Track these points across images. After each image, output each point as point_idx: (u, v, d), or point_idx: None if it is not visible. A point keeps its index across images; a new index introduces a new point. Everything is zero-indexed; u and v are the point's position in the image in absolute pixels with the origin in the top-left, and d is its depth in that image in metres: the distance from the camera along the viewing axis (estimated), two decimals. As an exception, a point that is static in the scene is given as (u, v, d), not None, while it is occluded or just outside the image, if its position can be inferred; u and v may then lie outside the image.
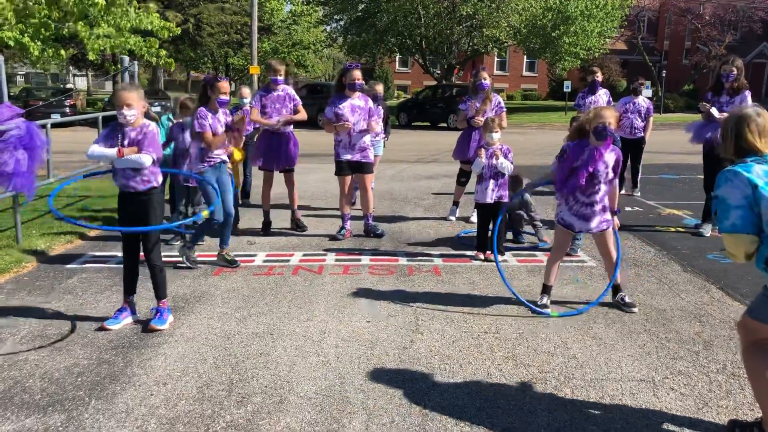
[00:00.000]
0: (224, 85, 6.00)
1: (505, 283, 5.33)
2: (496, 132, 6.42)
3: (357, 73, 6.94)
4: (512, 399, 3.67)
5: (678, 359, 4.20)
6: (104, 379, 3.84)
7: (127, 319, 4.73)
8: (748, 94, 7.20)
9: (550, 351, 4.32)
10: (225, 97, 5.98)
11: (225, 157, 6.18)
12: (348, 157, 7.10)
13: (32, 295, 5.36)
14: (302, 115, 7.41)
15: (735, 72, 7.20)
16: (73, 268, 6.13)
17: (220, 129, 6.01)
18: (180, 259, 6.20)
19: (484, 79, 7.76)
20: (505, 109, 7.96)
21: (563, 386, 3.82)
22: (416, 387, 3.79)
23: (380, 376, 3.92)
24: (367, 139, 7.15)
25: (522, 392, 3.74)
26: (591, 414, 3.51)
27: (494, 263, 6.29)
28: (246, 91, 9.00)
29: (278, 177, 7.60)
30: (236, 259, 6.31)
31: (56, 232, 7.30)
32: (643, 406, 3.58)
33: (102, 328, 4.60)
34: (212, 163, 6.06)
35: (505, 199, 6.52)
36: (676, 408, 3.57)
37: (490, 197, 6.44)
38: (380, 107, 9.00)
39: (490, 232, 6.55)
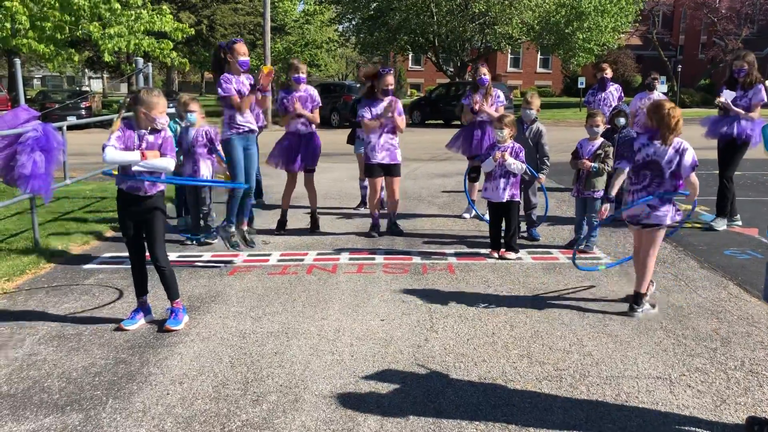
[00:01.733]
0: (242, 46, 5.98)
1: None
2: (503, 129, 6.40)
3: (390, 79, 7.08)
4: (527, 397, 3.65)
5: (695, 356, 4.17)
6: (121, 378, 3.88)
7: (142, 319, 4.76)
8: (761, 87, 7.13)
9: (565, 348, 4.30)
10: (245, 59, 5.97)
11: (254, 126, 6.14)
12: (378, 159, 7.12)
13: (50, 295, 5.41)
14: (316, 117, 7.39)
15: (746, 67, 7.13)
16: (90, 269, 6.18)
17: (246, 92, 6.01)
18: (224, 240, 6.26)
19: (484, 75, 7.81)
20: (504, 104, 7.96)
21: (579, 384, 3.80)
22: (431, 385, 3.79)
23: (395, 374, 3.92)
24: (395, 141, 7.21)
25: (537, 390, 3.73)
26: (607, 412, 3.49)
27: (508, 261, 6.31)
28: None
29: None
30: (254, 240, 6.35)
31: (73, 233, 7.36)
32: (660, 404, 3.56)
33: (119, 329, 4.64)
34: (241, 130, 6.04)
35: (517, 198, 6.50)
36: (694, 405, 3.54)
37: (502, 196, 6.41)
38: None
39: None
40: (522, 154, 6.49)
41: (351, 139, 9.10)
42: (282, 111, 7.30)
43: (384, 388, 3.75)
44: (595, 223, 6.44)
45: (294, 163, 7.36)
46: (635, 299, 4.91)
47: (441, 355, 4.20)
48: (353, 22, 36.38)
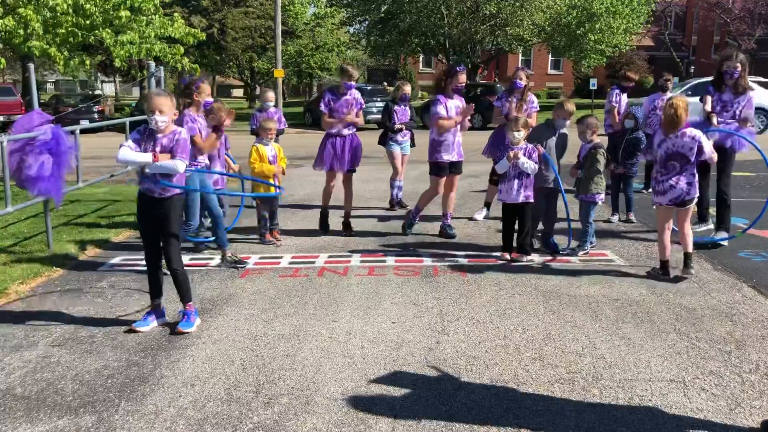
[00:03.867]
0: (208, 87, 6.19)
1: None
2: (519, 131, 6.38)
3: (464, 77, 7.18)
4: (540, 400, 3.63)
5: (709, 359, 4.13)
6: (134, 380, 3.89)
7: (154, 322, 4.78)
8: (751, 97, 6.76)
9: (577, 351, 4.28)
10: (210, 99, 6.12)
11: (207, 162, 6.28)
12: (448, 157, 7.12)
13: (63, 298, 5.45)
14: (360, 121, 7.38)
15: (739, 68, 6.67)
16: (103, 272, 6.22)
17: (204, 132, 6.14)
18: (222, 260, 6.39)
19: (520, 79, 7.79)
20: (537, 109, 7.95)
21: (591, 387, 3.78)
22: (442, 388, 3.78)
23: (406, 377, 3.92)
24: (460, 139, 7.28)
25: (549, 393, 3.71)
26: (620, 415, 3.46)
27: (520, 263, 6.29)
28: (270, 94, 9.05)
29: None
30: (242, 258, 6.45)
31: (86, 236, 7.41)
32: (674, 407, 3.53)
33: (131, 331, 4.66)
34: (200, 166, 6.15)
35: (531, 200, 6.48)
36: (708, 409, 3.51)
37: (515, 197, 6.40)
38: (407, 108, 9.03)
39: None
40: (535, 155, 6.46)
41: (382, 140, 9.16)
42: (326, 112, 7.24)
43: (395, 390, 3.74)
44: (589, 227, 6.69)
45: (338, 163, 7.31)
46: (687, 260, 5.78)
47: (452, 357, 4.19)
48: (364, 25, 36.45)
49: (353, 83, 7.25)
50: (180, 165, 4.52)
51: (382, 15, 33.58)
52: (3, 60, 11.89)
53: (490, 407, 3.56)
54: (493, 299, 5.32)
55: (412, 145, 9.40)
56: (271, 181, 7.06)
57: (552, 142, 6.66)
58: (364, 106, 7.49)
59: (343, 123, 7.22)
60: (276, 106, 8.60)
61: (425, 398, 3.65)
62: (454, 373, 3.97)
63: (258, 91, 22.14)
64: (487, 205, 8.53)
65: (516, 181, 6.41)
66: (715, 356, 4.17)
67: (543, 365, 4.08)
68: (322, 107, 7.29)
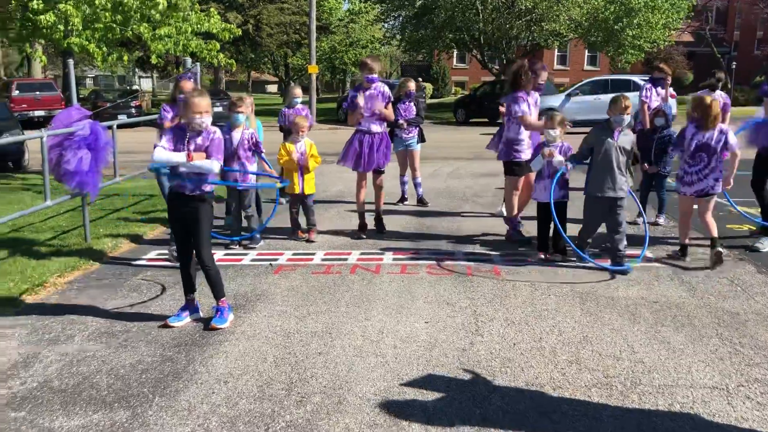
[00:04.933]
0: (186, 84, 6.12)
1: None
2: (555, 129, 6.26)
3: (545, 74, 7.14)
4: (576, 405, 3.55)
5: (754, 366, 4.00)
6: (167, 376, 3.91)
7: (188, 317, 4.81)
8: None
9: (615, 355, 4.18)
10: (183, 96, 6.05)
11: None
12: (525, 156, 6.92)
13: (100, 292, 5.51)
14: (390, 114, 7.20)
15: None
16: (138, 266, 6.28)
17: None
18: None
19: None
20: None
21: (630, 392, 3.68)
22: (476, 390, 3.72)
23: (439, 378, 3.87)
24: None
25: (586, 398, 3.63)
26: (660, 422, 3.37)
27: (554, 264, 6.18)
28: (298, 91, 9.05)
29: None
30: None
31: (122, 230, 7.50)
32: (717, 416, 3.42)
33: (165, 326, 4.69)
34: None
35: (567, 198, 6.36)
36: (753, 418, 3.39)
37: (548, 195, 6.28)
38: (411, 104, 8.94)
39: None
40: (570, 153, 6.34)
41: (389, 138, 9.08)
42: (352, 109, 7.12)
43: (428, 392, 3.70)
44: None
45: (366, 162, 7.13)
46: (714, 243, 5.98)
47: (487, 359, 4.12)
48: (398, 21, 36.33)
49: (375, 76, 7.03)
50: (215, 165, 4.53)
51: (417, 10, 33.42)
52: (44, 57, 12.12)
53: (525, 411, 3.49)
54: (528, 300, 5.23)
55: (423, 140, 9.30)
56: (295, 176, 7.04)
57: (610, 144, 5.90)
58: (392, 99, 7.31)
59: (364, 112, 6.99)
60: (308, 102, 8.60)
61: (459, 401, 3.60)
62: (489, 376, 3.90)
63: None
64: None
65: (550, 179, 6.30)
66: (760, 363, 4.03)
67: (579, 369, 3.99)
68: (345, 105, 7.20)
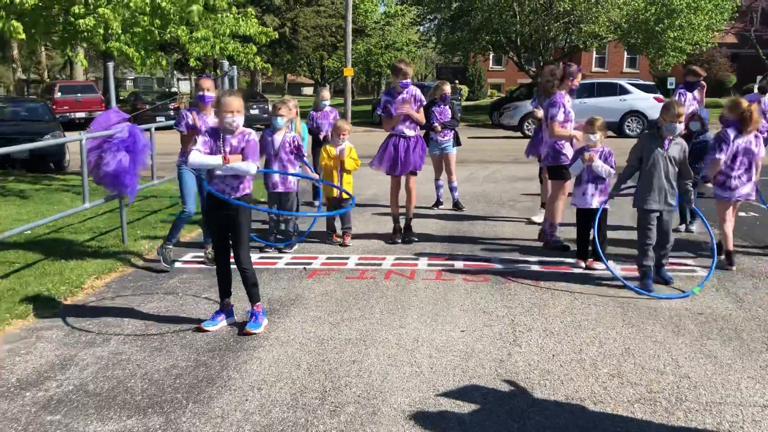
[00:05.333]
0: (205, 82, 6.08)
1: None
2: (596, 133, 6.11)
3: (580, 76, 7.10)
4: (619, 421, 3.43)
5: (807, 384, 3.81)
6: (201, 381, 3.89)
7: (223, 321, 4.79)
8: None
9: (659, 369, 4.03)
10: (205, 94, 6.00)
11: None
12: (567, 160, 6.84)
13: (136, 294, 5.54)
14: (421, 117, 7.09)
15: None
16: (175, 269, 6.30)
17: (207, 124, 5.98)
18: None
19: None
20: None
21: (675, 409, 3.54)
22: (514, 404, 3.61)
23: (476, 390, 3.77)
24: None
25: (629, 414, 3.50)
26: (708, 442, 3.22)
27: (596, 272, 6.02)
28: (326, 93, 9.04)
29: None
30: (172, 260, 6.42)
31: (159, 232, 7.55)
32: (768, 436, 3.26)
33: (200, 329, 4.68)
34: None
35: (607, 206, 6.20)
36: (808, 440, 3.23)
37: (590, 202, 6.14)
38: (447, 107, 8.84)
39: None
40: (612, 159, 6.19)
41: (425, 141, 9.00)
42: (385, 114, 7.05)
43: (465, 404, 3.60)
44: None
45: (400, 166, 7.03)
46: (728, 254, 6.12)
47: (525, 371, 4.01)
48: (434, 23, 36.21)
49: (408, 81, 6.96)
50: (252, 167, 4.50)
51: (453, 12, 33.26)
52: (85, 61, 12.33)
53: (565, 427, 3.37)
54: (568, 309, 5.09)
55: (458, 143, 9.18)
56: (335, 177, 7.01)
57: (659, 154, 5.48)
58: (424, 103, 7.23)
59: (399, 118, 6.91)
60: (344, 105, 8.60)
61: (496, 414, 3.50)
62: (527, 388, 3.79)
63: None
64: (543, 205, 8.26)
65: (590, 185, 6.15)
66: (813, 381, 3.85)
67: (622, 383, 3.85)
68: (379, 111, 7.13)
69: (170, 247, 6.28)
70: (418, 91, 7.03)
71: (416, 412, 3.52)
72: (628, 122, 21.98)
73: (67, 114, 26.12)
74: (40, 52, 36.45)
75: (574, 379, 3.91)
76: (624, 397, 3.68)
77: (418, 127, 7.15)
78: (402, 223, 7.34)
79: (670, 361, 4.14)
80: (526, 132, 22.25)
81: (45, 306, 5.17)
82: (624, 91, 22.27)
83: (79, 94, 27.46)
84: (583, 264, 6.21)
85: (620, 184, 5.82)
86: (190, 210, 6.19)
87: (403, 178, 7.22)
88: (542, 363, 4.12)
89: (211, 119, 5.98)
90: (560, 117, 6.66)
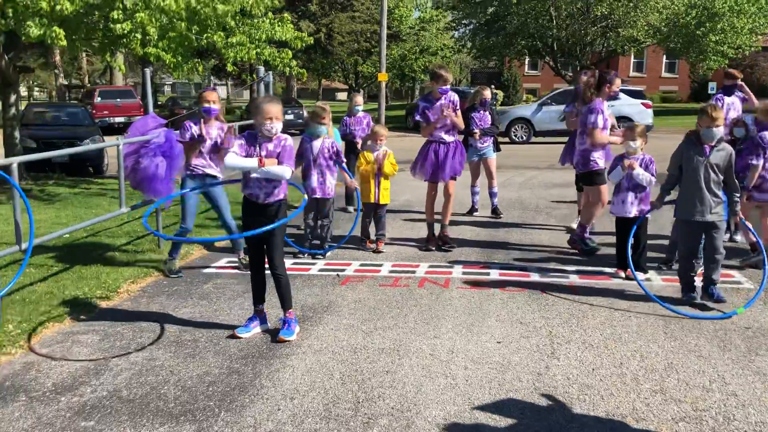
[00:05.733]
0: (210, 94, 6.03)
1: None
2: (636, 140, 5.95)
3: (619, 82, 7.03)
4: (663, 440, 3.29)
5: None
6: (234, 389, 3.86)
7: (257, 328, 4.77)
8: None
9: (704, 386, 3.87)
10: (209, 106, 5.95)
11: (212, 171, 6.08)
12: (603, 164, 6.78)
13: (171, 299, 5.55)
14: (460, 122, 7.02)
15: None
16: (209, 273, 6.32)
17: (210, 136, 6.00)
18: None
19: (581, 84, 7.36)
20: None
21: (722, 429, 3.39)
22: (553, 419, 3.50)
23: (513, 404, 3.67)
24: None
25: (674, 433, 3.36)
26: (758, 465, 3.08)
27: (636, 282, 5.85)
28: (359, 98, 9.01)
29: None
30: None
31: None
32: (824, 461, 3.10)
33: (233, 336, 4.66)
34: (195, 173, 6.03)
35: (648, 214, 6.03)
36: None
37: (629, 210, 5.98)
38: (487, 113, 8.72)
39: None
40: (653, 167, 6.03)
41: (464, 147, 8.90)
42: (424, 120, 6.96)
43: (501, 419, 3.50)
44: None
45: (439, 172, 6.96)
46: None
47: (563, 385, 3.89)
48: (469, 28, 36.07)
49: (448, 87, 6.88)
50: (287, 171, 4.47)
51: (488, 17, 33.10)
52: (123, 66, 12.52)
53: (606, 445, 3.25)
54: (608, 321, 4.95)
55: (497, 149, 9.03)
56: (371, 185, 6.95)
57: (699, 162, 5.20)
58: (459, 108, 7.15)
59: (440, 123, 6.84)
60: (378, 109, 8.59)
61: (534, 429, 3.39)
62: (566, 403, 3.68)
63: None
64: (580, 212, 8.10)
65: (630, 193, 5.98)
66: None
67: (665, 399, 3.71)
68: (417, 117, 7.04)
69: (175, 260, 6.28)
70: (455, 97, 6.97)
71: (451, 425, 3.43)
72: (615, 128, 21.64)
73: (107, 118, 26.65)
74: (81, 58, 37.28)
75: (614, 394, 3.78)
76: (668, 415, 3.54)
77: (457, 132, 7.07)
78: (432, 230, 7.25)
79: (716, 378, 3.98)
80: (514, 138, 22.16)
81: (81, 310, 5.22)
82: (612, 97, 22.00)
83: (118, 99, 27.99)
84: (622, 274, 6.05)
85: (664, 195, 5.60)
86: (188, 227, 6.17)
87: (441, 183, 7.14)
88: (581, 377, 4.00)
89: (214, 131, 6.03)
90: (600, 124, 6.53)
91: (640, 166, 5.96)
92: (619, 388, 3.85)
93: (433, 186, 7.15)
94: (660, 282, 5.94)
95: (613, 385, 3.89)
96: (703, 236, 5.41)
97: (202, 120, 5.98)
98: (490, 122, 8.75)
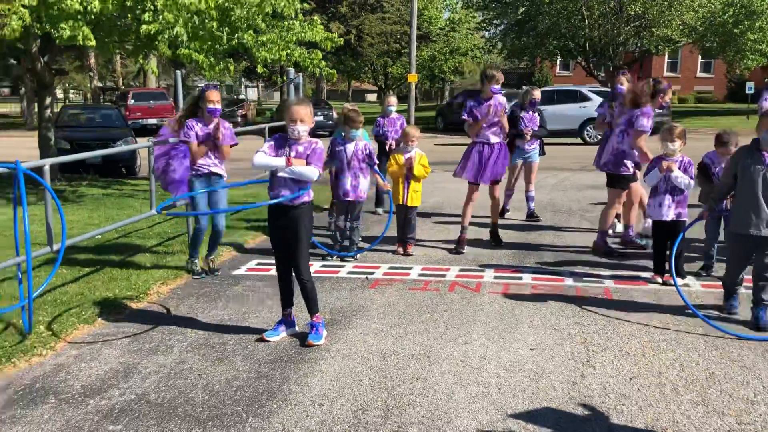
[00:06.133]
0: (213, 94, 5.96)
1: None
2: (675, 142, 5.77)
3: (671, 92, 7.04)
4: (705, 455, 3.16)
5: None
6: (262, 394, 3.81)
7: (285, 332, 4.72)
8: None
9: (749, 398, 3.72)
10: (212, 107, 5.89)
11: (217, 169, 6.05)
12: (631, 171, 6.75)
13: (200, 302, 5.54)
14: (505, 125, 6.98)
15: None
16: (238, 276, 6.29)
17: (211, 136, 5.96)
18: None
19: (621, 84, 7.28)
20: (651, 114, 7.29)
21: (769, 444, 3.24)
22: (589, 430, 3.39)
23: (548, 413, 3.56)
24: None
25: (717, 447, 3.22)
26: (809, 484, 2.92)
27: (673, 288, 5.67)
28: (392, 99, 8.91)
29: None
30: (218, 268, 6.37)
31: (224, 239, 7.55)
32: None
33: (262, 339, 4.62)
34: (200, 172, 5.99)
35: (684, 217, 5.85)
36: None
37: (666, 214, 5.80)
38: (536, 114, 8.56)
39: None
40: (691, 170, 5.84)
41: (510, 148, 8.77)
42: (471, 119, 6.90)
43: (536, 429, 3.40)
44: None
45: (484, 173, 6.92)
46: None
47: (600, 395, 3.77)
48: (500, 28, 35.80)
49: (500, 87, 6.82)
50: (314, 172, 4.41)
51: (519, 17, 32.79)
52: (156, 68, 12.62)
53: (645, 459, 3.13)
54: (644, 328, 4.80)
55: (542, 153, 8.86)
56: (400, 187, 6.88)
57: (757, 171, 4.75)
58: (507, 109, 7.10)
59: (486, 122, 6.78)
60: (407, 111, 8.53)
61: (570, 441, 3.28)
62: (603, 413, 3.55)
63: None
64: (618, 217, 7.92)
65: (667, 196, 5.80)
66: None
67: (707, 411, 3.57)
68: (465, 116, 6.94)
69: (195, 260, 6.30)
70: (503, 99, 6.94)
71: (483, 436, 3.34)
72: (588, 129, 21.79)
73: (140, 120, 27.01)
74: (116, 61, 37.86)
75: (653, 405, 3.65)
76: (710, 428, 3.40)
77: (503, 134, 7.02)
78: (465, 233, 7.16)
79: (761, 390, 3.82)
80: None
81: (111, 311, 5.23)
82: (584, 98, 22.27)
83: (151, 101, 28.37)
84: (659, 279, 5.88)
85: (714, 205, 5.30)
86: (203, 225, 6.15)
87: (484, 187, 7.11)
88: (618, 386, 3.87)
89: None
90: (649, 130, 6.46)
91: (679, 168, 5.79)
92: (658, 399, 3.71)
93: (474, 188, 7.07)
94: (699, 288, 5.76)
95: (651, 396, 3.75)
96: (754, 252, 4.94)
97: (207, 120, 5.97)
98: (538, 124, 8.58)
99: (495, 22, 35.36)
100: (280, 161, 4.41)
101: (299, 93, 9.47)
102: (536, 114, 8.58)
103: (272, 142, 4.53)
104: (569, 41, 32.10)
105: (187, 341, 4.64)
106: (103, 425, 3.48)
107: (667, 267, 5.80)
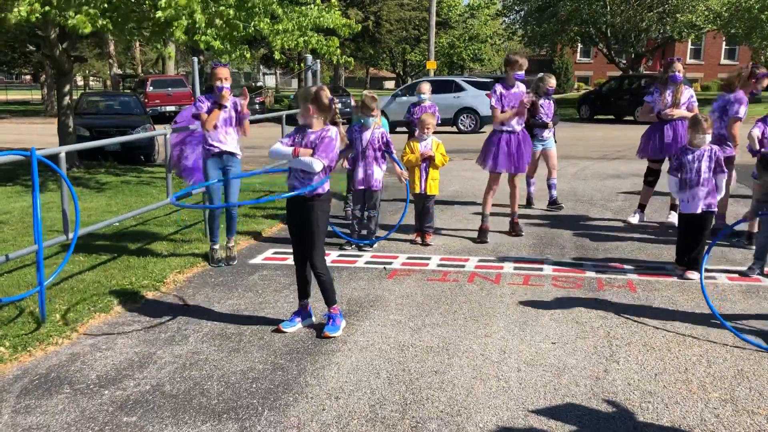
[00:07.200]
0: (221, 71, 5.87)
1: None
2: (707, 134, 5.59)
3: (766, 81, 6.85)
4: (735, 456, 3.05)
5: None
6: (278, 387, 3.75)
7: (301, 323, 4.65)
8: None
9: (779, 396, 3.59)
10: (220, 84, 5.83)
11: (229, 147, 5.95)
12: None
13: (216, 291, 5.49)
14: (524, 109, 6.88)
15: None
16: (255, 265, 6.24)
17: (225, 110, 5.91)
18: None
19: (678, 71, 7.04)
20: (696, 103, 7.14)
21: (801, 445, 3.12)
22: (613, 428, 3.28)
23: (570, 410, 3.46)
24: None
25: (747, 448, 3.11)
26: None
27: (693, 281, 5.53)
28: (425, 86, 8.76)
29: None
30: (235, 257, 6.29)
31: (241, 227, 7.52)
32: None
33: (278, 330, 4.56)
34: (212, 151, 5.91)
35: (714, 208, 5.69)
36: None
37: (698, 206, 5.62)
38: (551, 102, 8.41)
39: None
40: (721, 159, 5.67)
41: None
42: (500, 107, 6.78)
43: (558, 425, 3.30)
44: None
45: (513, 162, 6.85)
46: None
47: (624, 391, 3.66)
48: (520, 14, 35.40)
49: (523, 74, 6.72)
50: (316, 163, 4.29)
51: (540, 3, 32.37)
52: (173, 53, 12.56)
53: (672, 459, 3.03)
54: (669, 322, 4.67)
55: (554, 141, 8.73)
56: (417, 176, 6.77)
57: None
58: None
59: (514, 114, 6.71)
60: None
61: (593, 440, 3.18)
62: (627, 411, 3.45)
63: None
64: (642, 207, 7.75)
65: (701, 188, 5.61)
66: None
67: (736, 410, 3.45)
68: (494, 102, 6.79)
69: (216, 247, 6.24)
70: (524, 88, 6.87)
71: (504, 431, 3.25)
72: (462, 118, 21.96)
73: (158, 107, 27.07)
74: (135, 48, 37.96)
75: (680, 402, 3.53)
76: (740, 428, 3.28)
77: (523, 122, 6.96)
78: (487, 222, 7.05)
79: (792, 387, 3.69)
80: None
81: (127, 300, 5.19)
82: (459, 89, 22.24)
83: (169, 89, 28.40)
84: (682, 271, 5.71)
85: (760, 206, 5.19)
86: (216, 212, 6.11)
87: (506, 175, 7.03)
88: (643, 382, 3.76)
89: (228, 106, 5.96)
90: (743, 116, 6.48)
91: (709, 158, 5.62)
92: (684, 396, 3.60)
93: (496, 178, 6.98)
94: (725, 281, 5.60)
95: (678, 393, 3.64)
96: None
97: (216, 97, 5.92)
98: (553, 112, 8.43)
99: (515, 8, 34.95)
100: (288, 150, 4.34)
101: (317, 80, 9.37)
102: (552, 102, 8.43)
103: (293, 132, 4.47)
104: (590, 27, 31.66)
105: (203, 331, 4.59)
106: (117, 416, 3.44)
107: (690, 263, 5.65)
